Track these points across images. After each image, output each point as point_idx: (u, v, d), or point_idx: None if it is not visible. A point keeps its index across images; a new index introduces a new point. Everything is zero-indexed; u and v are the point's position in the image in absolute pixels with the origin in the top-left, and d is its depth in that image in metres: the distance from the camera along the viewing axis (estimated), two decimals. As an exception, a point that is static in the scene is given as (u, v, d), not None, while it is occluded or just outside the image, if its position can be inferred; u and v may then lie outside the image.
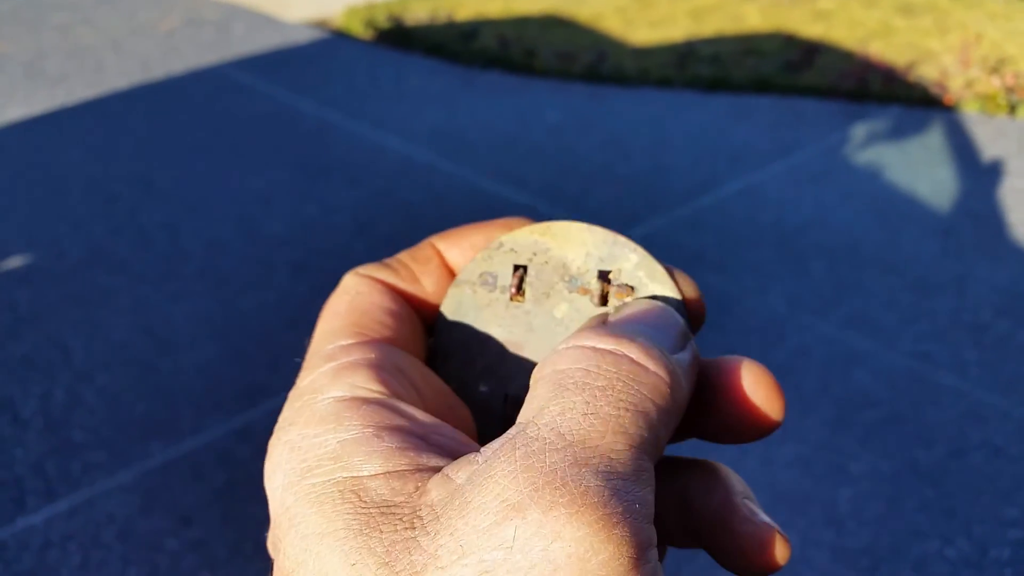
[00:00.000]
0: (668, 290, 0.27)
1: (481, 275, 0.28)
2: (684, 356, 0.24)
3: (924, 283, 2.35)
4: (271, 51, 4.03)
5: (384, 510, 0.20)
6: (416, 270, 0.29)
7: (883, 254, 2.48)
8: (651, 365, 0.22)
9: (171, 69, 3.80)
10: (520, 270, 0.28)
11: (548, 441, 0.20)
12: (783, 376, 1.99)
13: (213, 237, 2.52)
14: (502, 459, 0.20)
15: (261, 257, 2.43)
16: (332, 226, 2.59)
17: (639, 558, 0.19)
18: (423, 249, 0.30)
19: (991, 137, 3.24)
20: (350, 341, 0.25)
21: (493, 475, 0.20)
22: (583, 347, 0.23)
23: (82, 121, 3.29)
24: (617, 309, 0.26)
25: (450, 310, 0.28)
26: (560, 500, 0.19)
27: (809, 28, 4.39)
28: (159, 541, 1.55)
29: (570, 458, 0.20)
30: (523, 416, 0.22)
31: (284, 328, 2.12)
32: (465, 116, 3.42)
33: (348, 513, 0.20)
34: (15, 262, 2.39)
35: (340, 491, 0.21)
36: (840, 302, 2.27)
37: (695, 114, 3.47)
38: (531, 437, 0.20)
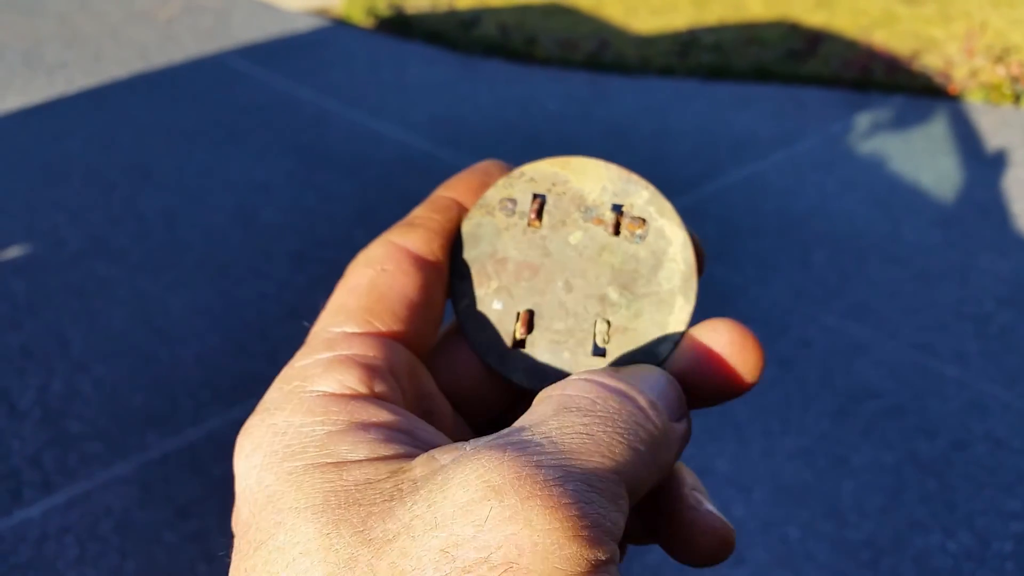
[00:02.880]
0: (676, 225, 0.29)
1: (501, 201, 0.30)
2: (680, 426, 0.25)
3: (927, 273, 2.34)
4: (271, 39, 4.01)
5: (365, 486, 0.21)
6: (441, 220, 0.29)
7: (886, 244, 2.47)
8: (652, 415, 0.23)
9: (170, 57, 3.78)
10: (539, 198, 0.30)
11: (540, 445, 0.21)
12: (785, 368, 1.98)
13: (212, 226, 2.51)
14: (492, 448, 0.20)
15: (260, 246, 2.41)
16: (331, 215, 2.58)
17: (599, 565, 0.20)
18: (440, 200, 0.30)
19: (995, 127, 3.22)
20: (356, 330, 0.26)
21: (480, 459, 0.20)
22: (594, 381, 0.23)
23: (81, 110, 3.27)
24: (629, 370, 0.26)
25: (469, 231, 0.30)
26: (538, 492, 0.19)
27: (812, 17, 4.37)
28: (157, 533, 1.55)
29: (557, 462, 0.20)
30: (520, 422, 0.22)
31: (283, 318, 2.11)
32: (465, 104, 3.40)
33: (328, 490, 0.21)
34: (13, 252, 2.37)
35: (323, 472, 0.21)
36: (842, 292, 2.26)
37: (697, 103, 3.45)
38: (524, 439, 0.21)
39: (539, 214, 0.29)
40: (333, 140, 3.06)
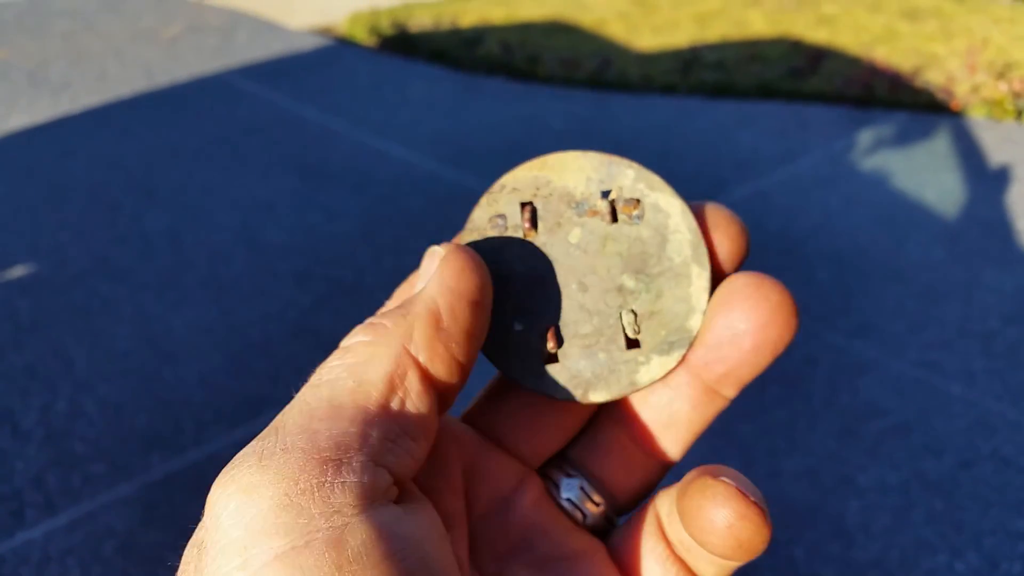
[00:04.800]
0: (670, 195, 0.28)
1: (491, 219, 0.29)
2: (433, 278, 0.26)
3: (931, 291, 2.34)
4: (274, 58, 4.03)
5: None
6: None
7: (890, 261, 2.46)
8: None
9: (174, 76, 3.80)
10: (528, 206, 0.29)
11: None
12: (790, 386, 1.97)
13: (215, 246, 2.51)
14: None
15: (264, 266, 2.41)
16: (335, 234, 2.58)
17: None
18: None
19: (998, 143, 3.22)
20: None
21: None
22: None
23: (85, 129, 3.28)
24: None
25: None
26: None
27: (814, 34, 4.38)
28: (160, 555, 1.54)
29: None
30: None
31: (287, 338, 2.11)
32: (469, 123, 3.40)
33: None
34: (17, 271, 2.38)
35: None
36: (847, 310, 2.25)
37: (700, 120, 3.46)
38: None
39: (533, 222, 0.28)
40: (337, 159, 3.07)
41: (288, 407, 0.24)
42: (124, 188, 2.83)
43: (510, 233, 0.28)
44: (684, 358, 0.28)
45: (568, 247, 0.28)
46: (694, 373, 0.28)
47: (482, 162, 3.06)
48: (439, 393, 0.24)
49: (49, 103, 3.49)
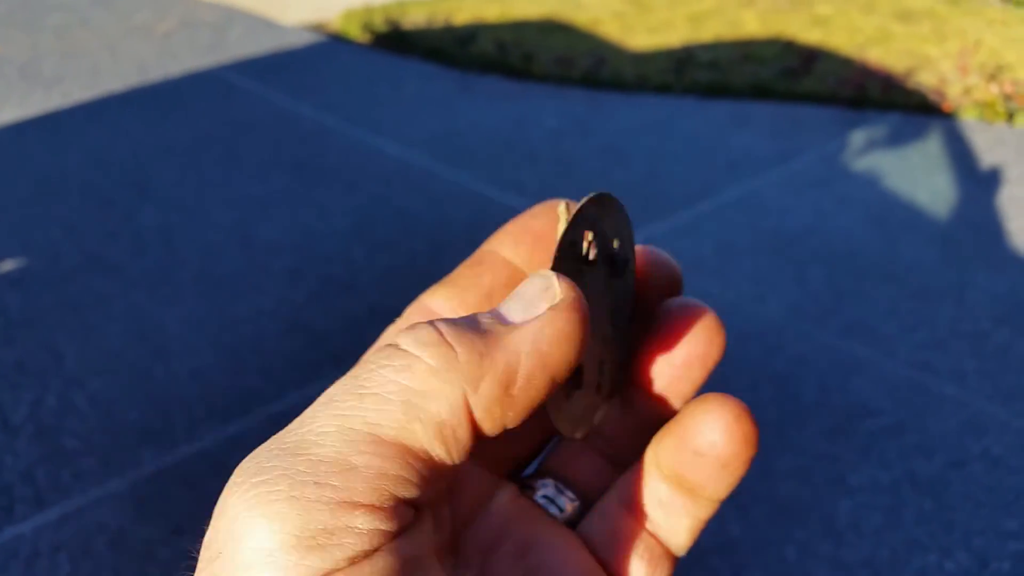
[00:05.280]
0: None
1: (572, 244, 0.26)
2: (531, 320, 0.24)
3: (923, 291, 2.34)
4: (268, 54, 4.02)
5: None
6: (485, 283, 0.28)
7: (882, 262, 2.47)
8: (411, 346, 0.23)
9: (167, 72, 3.79)
10: (595, 240, 0.27)
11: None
12: (781, 386, 1.98)
13: (208, 242, 2.51)
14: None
15: (257, 262, 2.41)
16: (329, 232, 2.58)
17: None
18: (487, 257, 0.28)
19: (989, 145, 3.23)
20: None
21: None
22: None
23: (78, 124, 3.27)
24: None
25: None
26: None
27: (808, 34, 4.39)
28: (151, 551, 1.54)
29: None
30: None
31: (280, 335, 2.10)
32: (463, 121, 3.40)
33: None
34: (8, 266, 2.37)
35: None
36: (839, 310, 2.26)
37: (693, 120, 3.46)
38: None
39: (595, 257, 0.27)
40: (330, 156, 3.06)
41: (325, 413, 0.22)
42: (116, 183, 2.82)
43: (578, 264, 0.27)
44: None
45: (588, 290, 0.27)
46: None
47: (476, 159, 3.06)
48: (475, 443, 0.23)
49: (41, 97, 3.48)
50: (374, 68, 3.93)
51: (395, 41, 4.27)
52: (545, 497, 0.28)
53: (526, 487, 0.29)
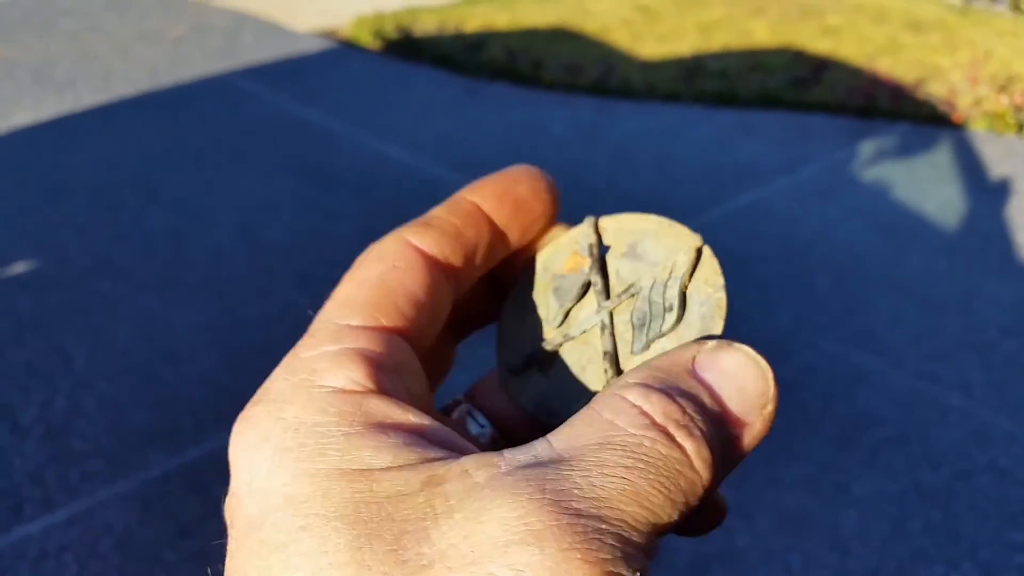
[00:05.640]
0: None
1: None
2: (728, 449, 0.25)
3: (930, 301, 2.34)
4: (279, 60, 4.04)
5: (397, 499, 0.20)
6: (458, 225, 0.29)
7: (889, 271, 2.47)
8: (699, 466, 0.23)
9: (179, 77, 3.81)
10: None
11: (579, 487, 0.20)
12: (788, 395, 1.98)
13: (217, 246, 2.52)
14: (529, 481, 0.20)
15: (265, 266, 2.42)
16: (337, 236, 2.59)
17: None
18: (461, 203, 0.29)
19: (999, 156, 3.23)
20: (362, 323, 0.25)
21: (518, 494, 0.20)
22: (645, 413, 0.22)
23: (89, 127, 3.29)
24: (712, 347, 0.26)
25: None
26: (578, 546, 0.19)
27: (817, 44, 4.39)
28: (158, 552, 1.54)
29: (595, 511, 0.20)
30: (557, 444, 0.22)
31: (287, 338, 2.10)
32: (472, 127, 3.41)
33: (359, 500, 0.20)
34: (19, 268, 2.38)
35: (351, 481, 0.21)
36: (846, 320, 2.25)
37: (702, 129, 3.46)
38: (563, 475, 0.21)
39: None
40: (340, 161, 3.08)
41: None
42: (126, 187, 2.84)
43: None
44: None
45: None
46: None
47: (485, 166, 3.04)
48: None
49: (53, 101, 3.50)
50: (384, 74, 3.95)
51: (406, 48, 4.28)
52: (461, 414, 0.30)
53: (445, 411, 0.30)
